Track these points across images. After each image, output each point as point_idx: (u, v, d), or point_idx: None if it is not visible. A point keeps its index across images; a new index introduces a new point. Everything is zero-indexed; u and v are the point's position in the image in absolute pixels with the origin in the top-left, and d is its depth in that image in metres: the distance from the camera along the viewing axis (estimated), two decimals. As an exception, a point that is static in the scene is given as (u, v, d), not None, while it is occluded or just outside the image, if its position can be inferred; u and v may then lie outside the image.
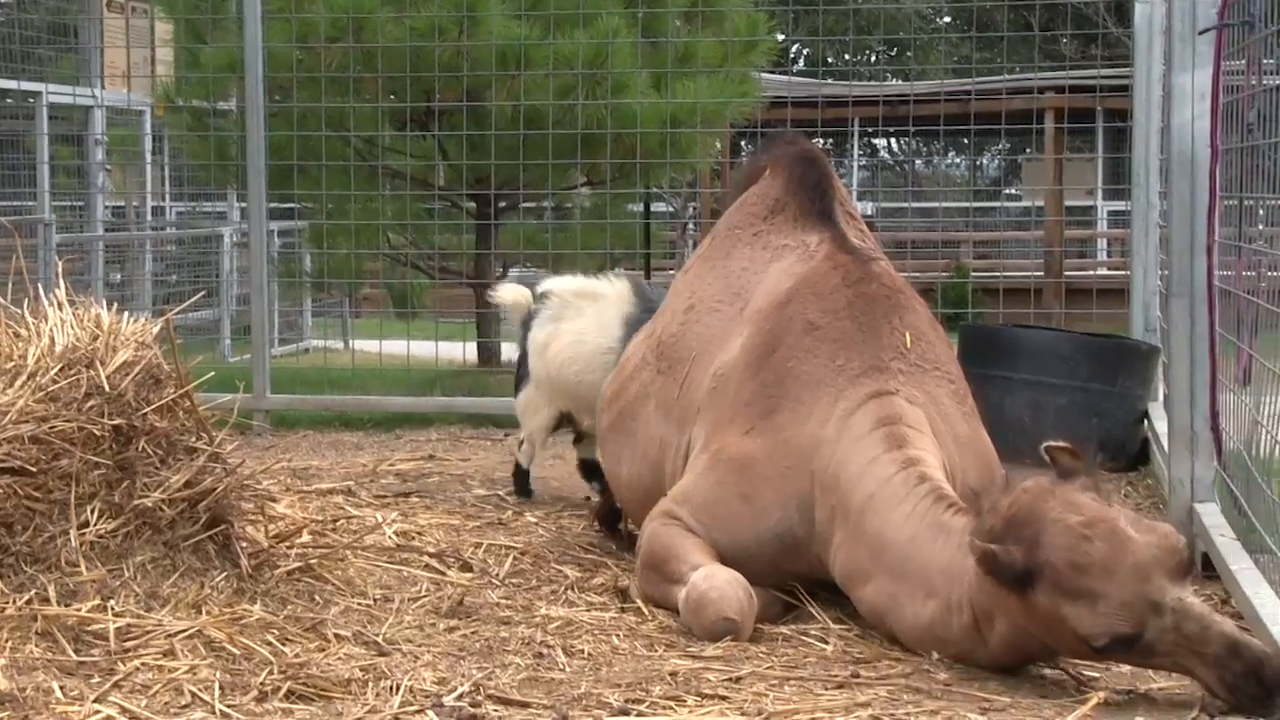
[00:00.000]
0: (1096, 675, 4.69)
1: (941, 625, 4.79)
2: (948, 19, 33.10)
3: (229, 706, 4.24)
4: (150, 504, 5.05)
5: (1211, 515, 6.02)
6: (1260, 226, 5.77)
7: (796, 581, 5.37)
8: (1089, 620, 4.32)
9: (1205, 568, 5.90)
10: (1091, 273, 20.89)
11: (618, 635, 5.10)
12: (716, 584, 5.10)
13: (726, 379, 5.60)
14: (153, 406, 5.18)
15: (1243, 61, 5.85)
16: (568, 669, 4.73)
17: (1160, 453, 6.82)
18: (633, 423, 6.12)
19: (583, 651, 4.90)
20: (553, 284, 7.39)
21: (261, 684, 4.39)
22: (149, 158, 15.16)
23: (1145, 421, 8.51)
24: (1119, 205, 21.53)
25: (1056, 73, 19.20)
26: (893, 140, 34.43)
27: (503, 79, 10.83)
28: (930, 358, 5.49)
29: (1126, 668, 4.71)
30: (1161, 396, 8.25)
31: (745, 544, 5.33)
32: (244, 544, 5.32)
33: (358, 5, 10.81)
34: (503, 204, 11.98)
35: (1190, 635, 4.28)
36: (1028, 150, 29.05)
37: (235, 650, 4.65)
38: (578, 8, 10.89)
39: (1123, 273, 12.66)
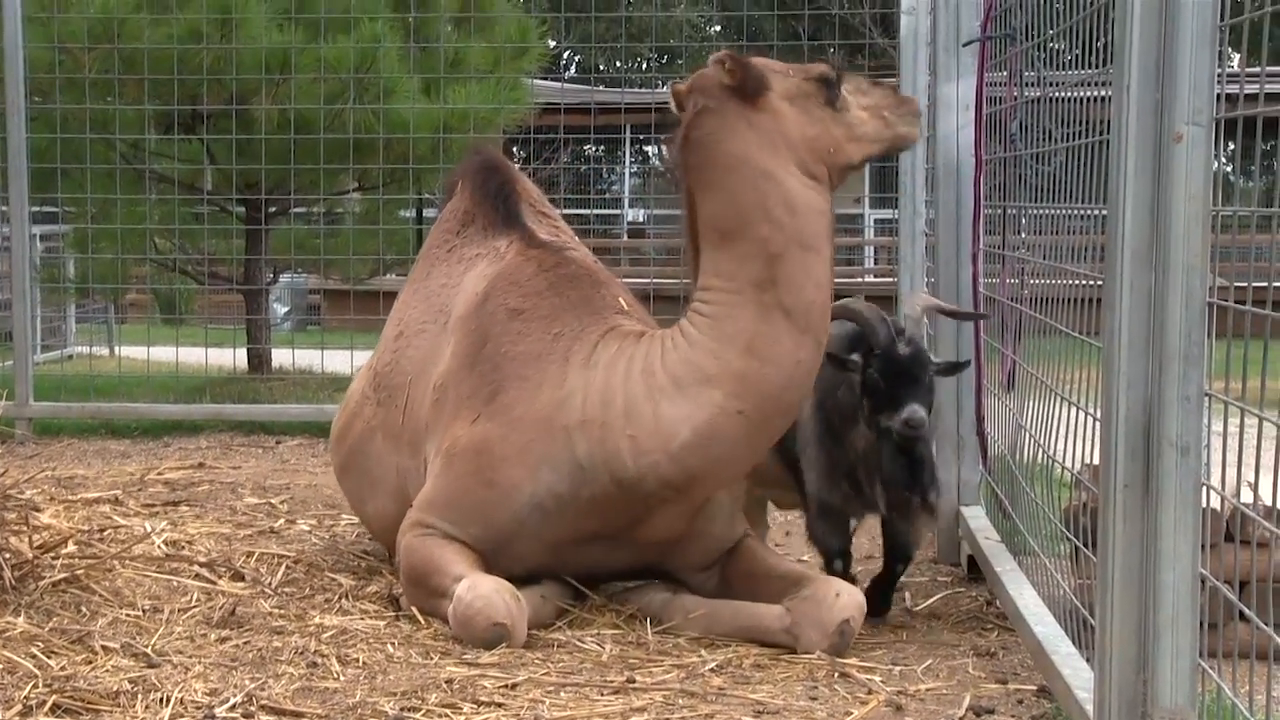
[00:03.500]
0: (870, 677, 4.76)
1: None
2: (718, 28, 33.42)
3: (-8, 722, 4.15)
4: (-92, 515, 4.92)
5: (977, 518, 6.14)
6: (1023, 235, 5.89)
7: (568, 547, 5.36)
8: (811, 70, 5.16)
9: (971, 570, 6.03)
10: (859, 280, 21.19)
11: (393, 643, 5.06)
12: (481, 593, 5.08)
13: (444, 387, 5.59)
14: (-89, 415, 5.06)
15: (1005, 73, 5.98)
16: (342, 678, 4.69)
17: (927, 456, 6.93)
18: (364, 460, 6.09)
19: (357, 660, 4.86)
20: None
21: (26, 698, 4.30)
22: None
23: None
24: (886, 213, 21.91)
25: (825, 82, 19.43)
26: (664, 147, 34.62)
27: (270, 83, 10.72)
28: (650, 323, 5.56)
29: (896, 668, 4.80)
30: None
31: (502, 527, 5.30)
32: (7, 555, 5.21)
33: (119, 5, 10.63)
34: (273, 209, 11.86)
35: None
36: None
37: (-2, 664, 4.55)
38: (346, 11, 10.82)
39: (890, 280, 12.83)
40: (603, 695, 4.54)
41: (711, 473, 5.18)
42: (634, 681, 4.66)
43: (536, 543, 5.32)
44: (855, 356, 5.27)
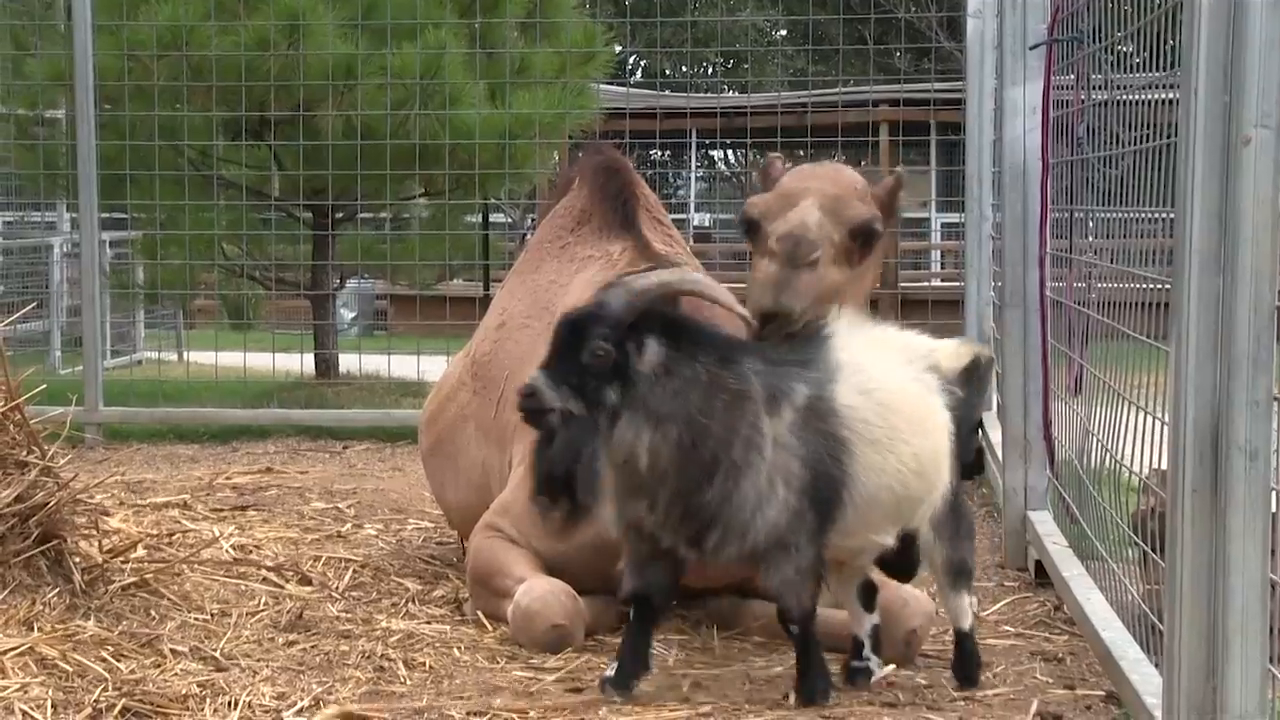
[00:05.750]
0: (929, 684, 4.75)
1: None
2: (784, 32, 33.40)
3: (62, 725, 4.18)
4: (-20, 519, 4.96)
5: (1044, 523, 6.11)
6: (1090, 238, 5.86)
7: None
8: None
9: (1038, 574, 6.00)
10: (926, 284, 21.15)
11: (459, 648, 5.08)
12: (537, 595, 5.08)
13: None
14: (-17, 420, 5.10)
15: (1071, 76, 5.95)
16: (409, 682, 4.71)
17: (994, 462, 6.90)
18: (452, 446, 6.07)
19: (424, 664, 4.88)
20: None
21: (95, 702, 4.32)
22: (-28, 167, 14.89)
23: (980, 431, 8.60)
24: (953, 217, 21.80)
25: (891, 86, 19.42)
26: (730, 152, 34.63)
27: (336, 90, 10.77)
28: None
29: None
30: (995, 406, 8.36)
31: (563, 550, 5.30)
32: (77, 559, 5.24)
33: (187, 14, 10.71)
34: (339, 215, 11.91)
35: None
36: (863, 162, 29.31)
37: (68, 667, 4.57)
38: (412, 18, 10.86)
39: (957, 284, 12.80)
40: (668, 701, 4.53)
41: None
42: (700, 687, 4.65)
43: (595, 576, 5.28)
44: None
